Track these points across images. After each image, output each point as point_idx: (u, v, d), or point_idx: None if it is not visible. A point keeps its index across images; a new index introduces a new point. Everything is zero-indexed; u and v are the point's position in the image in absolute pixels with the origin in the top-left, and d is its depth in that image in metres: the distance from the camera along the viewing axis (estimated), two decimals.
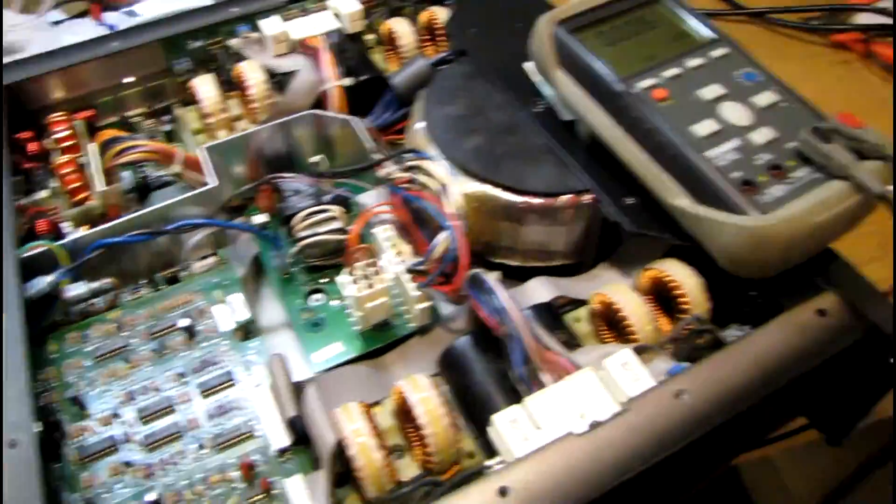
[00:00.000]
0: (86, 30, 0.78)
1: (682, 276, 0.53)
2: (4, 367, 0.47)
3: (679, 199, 0.51)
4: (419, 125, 0.62)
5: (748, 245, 0.48)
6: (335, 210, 0.60)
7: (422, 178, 0.58)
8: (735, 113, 0.53)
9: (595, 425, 0.43)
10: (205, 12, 0.73)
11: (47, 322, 0.55)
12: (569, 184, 0.57)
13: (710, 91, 0.54)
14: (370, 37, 0.79)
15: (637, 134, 0.53)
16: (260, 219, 0.62)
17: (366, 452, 0.46)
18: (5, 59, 0.69)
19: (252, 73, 0.69)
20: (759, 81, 0.55)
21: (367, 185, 0.63)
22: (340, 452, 0.47)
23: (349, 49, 0.73)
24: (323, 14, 0.74)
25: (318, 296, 0.59)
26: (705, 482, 0.68)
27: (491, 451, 0.46)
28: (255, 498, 0.47)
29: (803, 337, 0.48)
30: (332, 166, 0.65)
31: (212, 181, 0.59)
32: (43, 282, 0.54)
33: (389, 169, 0.61)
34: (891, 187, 0.47)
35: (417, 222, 0.59)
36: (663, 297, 0.55)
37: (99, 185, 0.61)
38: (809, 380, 0.48)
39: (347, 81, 0.68)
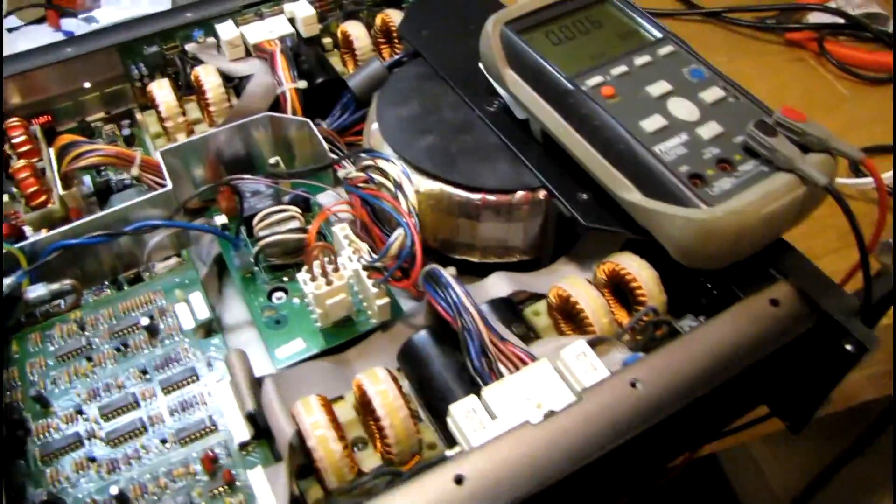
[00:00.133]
0: (43, 36, 0.78)
1: (637, 269, 0.54)
2: None
3: (630, 193, 0.53)
4: (374, 126, 0.64)
5: (697, 237, 0.49)
6: (294, 210, 0.61)
7: (377, 177, 0.59)
8: (682, 109, 0.54)
9: (550, 415, 0.44)
10: (160, 18, 0.74)
11: (10, 323, 0.56)
12: (523, 181, 0.58)
13: (658, 88, 0.55)
14: (328, 40, 0.80)
15: (586, 131, 0.54)
16: (221, 220, 0.63)
17: (324, 444, 0.46)
18: None
19: (208, 77, 0.70)
20: (707, 78, 0.56)
21: (326, 185, 0.64)
22: (301, 444, 0.48)
23: (305, 52, 0.74)
24: (278, 18, 0.75)
25: (280, 294, 0.60)
26: (676, 471, 0.69)
27: (451, 441, 0.47)
28: (218, 490, 0.48)
29: (756, 326, 0.49)
30: (292, 167, 0.66)
31: (168, 183, 0.60)
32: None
33: (349, 169, 0.62)
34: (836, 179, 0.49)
35: (376, 221, 0.60)
36: (620, 291, 0.56)
37: (57, 189, 0.62)
38: (765, 368, 0.49)
39: (302, 84, 0.69)
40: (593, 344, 0.49)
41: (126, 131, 0.73)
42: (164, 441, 0.50)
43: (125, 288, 0.60)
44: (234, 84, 0.72)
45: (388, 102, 0.65)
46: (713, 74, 0.56)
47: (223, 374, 0.53)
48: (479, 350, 0.50)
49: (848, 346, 0.48)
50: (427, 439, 0.52)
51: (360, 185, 0.60)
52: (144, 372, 0.53)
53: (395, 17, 0.76)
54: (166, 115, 0.69)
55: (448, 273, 0.53)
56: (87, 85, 0.73)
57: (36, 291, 0.56)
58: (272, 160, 0.65)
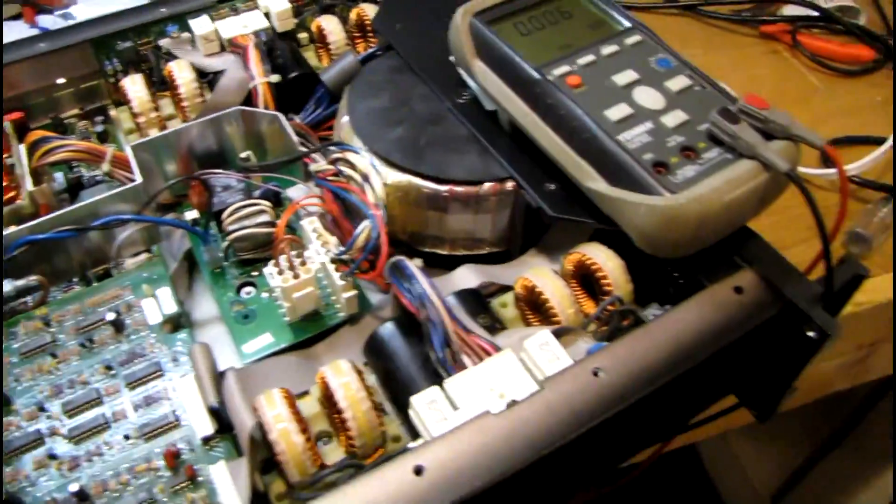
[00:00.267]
0: (18, 33, 0.78)
1: (604, 259, 0.54)
2: None
3: (595, 182, 0.52)
4: (344, 119, 0.63)
5: (660, 224, 0.49)
6: (264, 204, 0.60)
7: (346, 169, 0.59)
8: (648, 97, 0.54)
9: (512, 404, 0.44)
10: (134, 13, 0.73)
11: None
12: (491, 172, 0.58)
13: (624, 77, 0.55)
14: (303, 35, 0.80)
15: (553, 120, 0.54)
16: (192, 215, 0.62)
17: (286, 437, 0.46)
18: None
19: (181, 72, 0.69)
20: (673, 67, 0.56)
21: (297, 179, 0.63)
22: (263, 438, 0.47)
23: (280, 47, 0.73)
24: (253, 13, 0.75)
25: (249, 289, 0.60)
26: (646, 463, 0.69)
27: (416, 435, 0.47)
28: (181, 485, 0.48)
29: (720, 313, 0.49)
30: (264, 162, 0.66)
31: (137, 178, 0.59)
32: None
33: (320, 163, 0.62)
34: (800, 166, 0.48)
35: (347, 215, 0.60)
36: (588, 281, 0.56)
37: (27, 185, 0.61)
38: (730, 356, 0.49)
39: (274, 78, 0.68)
40: (558, 334, 0.49)
41: (100, 128, 0.73)
42: (127, 437, 0.50)
43: (94, 284, 0.60)
44: (208, 79, 0.72)
45: (359, 95, 0.65)
46: (680, 63, 0.56)
47: (188, 370, 0.53)
48: (442, 341, 0.50)
49: (810, 333, 0.48)
50: (392, 433, 0.51)
51: (330, 178, 0.60)
52: (109, 368, 0.53)
53: (370, 11, 0.75)
54: (139, 111, 0.69)
55: (413, 264, 0.53)
56: (61, 81, 0.72)
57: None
58: (243, 154, 0.65)
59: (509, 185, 0.58)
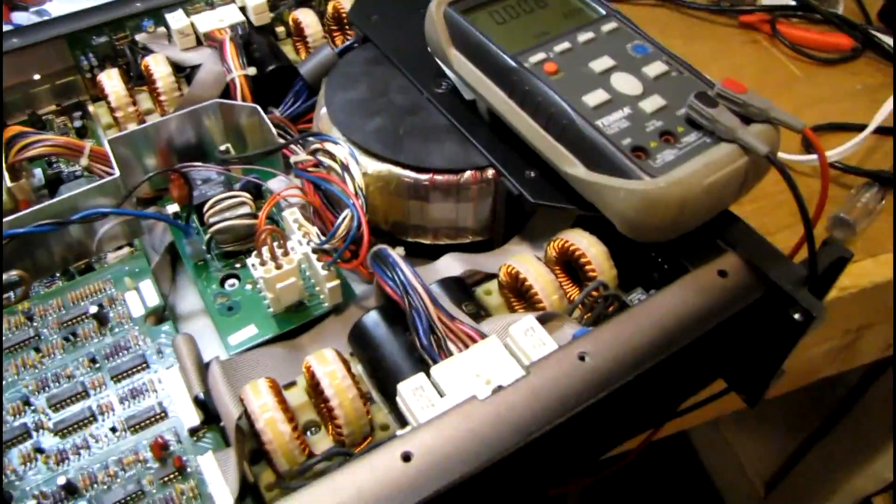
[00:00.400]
0: None
1: (587, 245, 0.55)
2: None
3: (574, 168, 0.53)
4: (322, 110, 0.64)
5: (640, 208, 0.49)
6: (245, 196, 0.61)
7: (326, 160, 0.59)
8: (626, 83, 0.54)
9: (498, 390, 0.44)
10: (109, 8, 0.73)
11: None
12: (471, 160, 0.59)
13: (601, 63, 0.56)
14: (280, 29, 0.80)
15: (530, 107, 0.55)
16: (173, 209, 0.62)
17: (273, 426, 0.46)
18: None
19: (158, 66, 0.69)
20: (650, 53, 0.57)
21: (277, 171, 0.63)
22: (251, 428, 0.47)
23: (257, 41, 0.74)
24: (228, 7, 0.75)
25: (233, 281, 0.60)
26: (636, 451, 0.70)
27: (404, 423, 0.47)
28: (169, 476, 0.48)
29: (704, 297, 0.49)
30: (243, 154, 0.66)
31: (115, 171, 0.59)
32: None
33: (300, 155, 0.62)
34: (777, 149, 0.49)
35: (329, 206, 0.60)
36: (572, 268, 0.56)
37: (5, 181, 0.61)
38: (716, 340, 0.50)
39: (251, 71, 0.68)
40: (543, 320, 0.50)
41: (78, 123, 0.73)
42: (113, 429, 0.50)
43: (76, 278, 0.59)
44: (185, 74, 0.72)
45: (336, 87, 0.65)
46: (656, 49, 0.57)
47: (173, 361, 0.53)
48: (427, 328, 0.50)
49: (796, 316, 0.48)
50: (380, 421, 0.52)
51: (310, 169, 0.60)
52: (94, 361, 0.53)
53: (346, 3, 0.75)
54: (116, 105, 0.69)
55: (395, 253, 0.53)
56: (37, 77, 0.72)
57: None
58: (222, 147, 0.65)
59: (490, 173, 0.58)
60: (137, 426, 0.50)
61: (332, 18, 0.77)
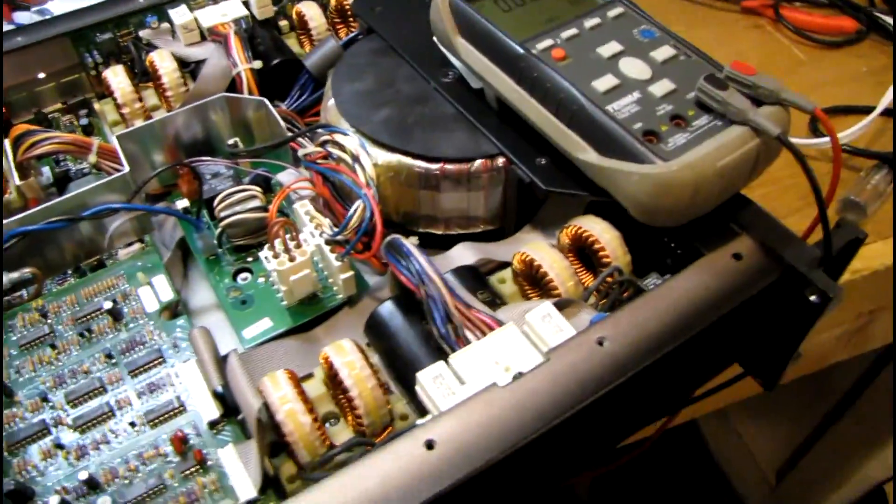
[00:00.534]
0: None
1: (600, 231, 0.54)
2: None
3: (585, 154, 0.53)
4: (330, 102, 0.63)
5: (654, 192, 0.50)
6: (255, 189, 0.61)
7: (335, 151, 0.59)
8: (634, 68, 0.55)
9: (518, 376, 0.45)
10: (112, 4, 0.73)
11: None
12: (481, 149, 0.59)
13: (609, 48, 0.56)
14: (284, 23, 0.79)
15: (539, 94, 0.55)
16: (182, 204, 0.63)
17: (293, 417, 0.46)
18: None
19: (163, 62, 0.69)
20: (657, 37, 0.57)
21: (286, 163, 0.63)
22: (270, 420, 0.48)
23: (260, 35, 0.73)
24: (232, 1, 0.75)
25: (245, 275, 0.60)
26: (653, 438, 0.70)
27: (424, 412, 0.47)
28: (190, 470, 0.48)
29: (720, 280, 0.49)
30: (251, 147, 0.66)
31: (125, 167, 0.59)
32: None
33: (308, 147, 0.62)
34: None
35: (338, 198, 0.60)
36: (585, 255, 0.56)
37: (14, 179, 0.61)
38: (733, 323, 0.50)
39: (257, 64, 0.68)
40: (560, 306, 0.50)
41: (84, 121, 0.72)
42: (132, 424, 0.50)
43: (88, 275, 0.59)
44: (190, 69, 0.72)
45: (343, 78, 0.65)
46: (664, 34, 0.57)
47: (190, 355, 0.53)
48: (443, 317, 0.50)
49: (812, 297, 0.48)
50: (399, 411, 0.52)
51: (319, 160, 0.60)
52: (110, 356, 0.53)
53: None
54: (122, 102, 0.69)
55: (409, 242, 0.53)
56: (42, 75, 0.72)
57: None
58: (230, 141, 0.65)
59: (500, 161, 0.58)
60: (156, 420, 0.50)
61: (336, 10, 0.77)
